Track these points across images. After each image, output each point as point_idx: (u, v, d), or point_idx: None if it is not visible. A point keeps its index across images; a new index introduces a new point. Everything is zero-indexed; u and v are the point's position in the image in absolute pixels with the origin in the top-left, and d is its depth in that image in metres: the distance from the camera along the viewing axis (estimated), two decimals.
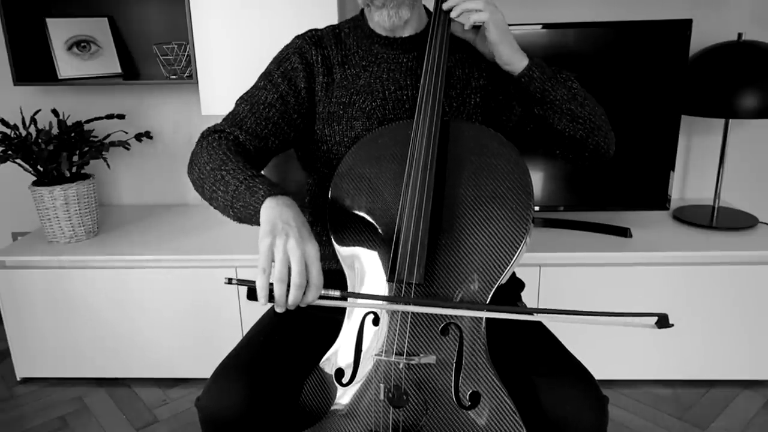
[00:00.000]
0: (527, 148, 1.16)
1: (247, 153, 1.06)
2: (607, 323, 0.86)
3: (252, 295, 0.81)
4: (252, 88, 1.14)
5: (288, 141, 1.14)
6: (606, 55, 1.84)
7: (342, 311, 0.98)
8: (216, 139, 1.04)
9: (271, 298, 0.80)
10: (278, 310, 0.82)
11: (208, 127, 1.10)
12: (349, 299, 0.97)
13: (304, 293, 0.82)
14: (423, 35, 1.13)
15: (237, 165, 0.96)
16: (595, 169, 1.94)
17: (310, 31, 1.18)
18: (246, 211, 0.92)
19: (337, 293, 0.86)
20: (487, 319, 0.91)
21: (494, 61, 1.11)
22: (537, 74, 1.07)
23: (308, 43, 1.14)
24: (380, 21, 1.08)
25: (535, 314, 0.89)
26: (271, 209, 0.86)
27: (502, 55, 1.07)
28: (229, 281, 0.83)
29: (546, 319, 0.92)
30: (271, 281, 0.81)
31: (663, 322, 0.83)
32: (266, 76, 1.14)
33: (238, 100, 1.14)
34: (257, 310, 1.17)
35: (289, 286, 0.81)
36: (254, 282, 0.81)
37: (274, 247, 0.81)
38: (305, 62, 1.13)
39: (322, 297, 0.85)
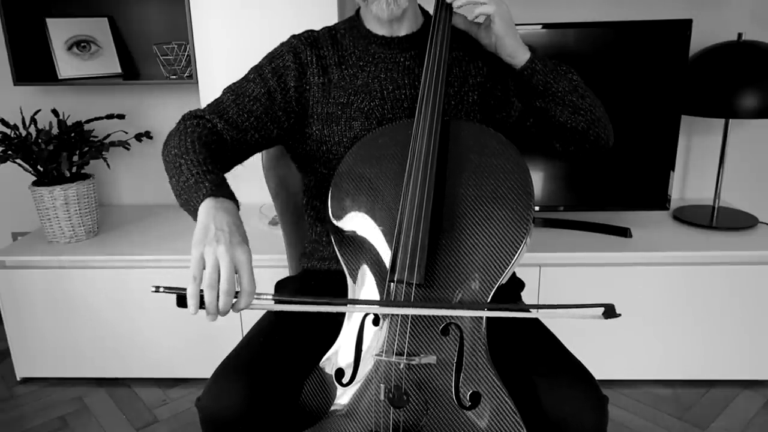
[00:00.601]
0: (527, 147, 1.16)
1: (222, 143, 1.06)
2: (555, 315, 0.87)
3: (182, 302, 0.80)
4: (241, 79, 1.14)
5: (270, 137, 1.13)
6: (606, 55, 1.84)
7: (342, 311, 0.98)
8: (192, 125, 1.04)
9: (202, 305, 0.79)
10: (209, 318, 0.81)
11: (190, 111, 1.10)
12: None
13: (237, 300, 0.81)
14: (419, 34, 1.13)
15: (197, 157, 0.96)
16: (595, 169, 1.94)
17: (307, 31, 1.17)
18: (188, 206, 0.92)
19: (269, 296, 0.85)
20: (488, 318, 0.91)
21: (495, 54, 1.11)
22: (540, 67, 1.07)
23: (303, 43, 1.14)
24: (378, 12, 1.07)
25: (476, 310, 0.90)
26: (207, 212, 0.87)
27: (506, 47, 1.07)
28: (157, 289, 0.81)
29: (493, 315, 0.92)
30: (202, 288, 0.80)
31: (610, 312, 0.84)
32: (257, 69, 1.14)
33: (225, 89, 1.14)
34: (257, 310, 1.17)
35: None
36: (185, 290, 0.80)
37: (205, 254, 0.81)
38: (299, 61, 1.13)
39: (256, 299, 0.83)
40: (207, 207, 0.88)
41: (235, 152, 1.09)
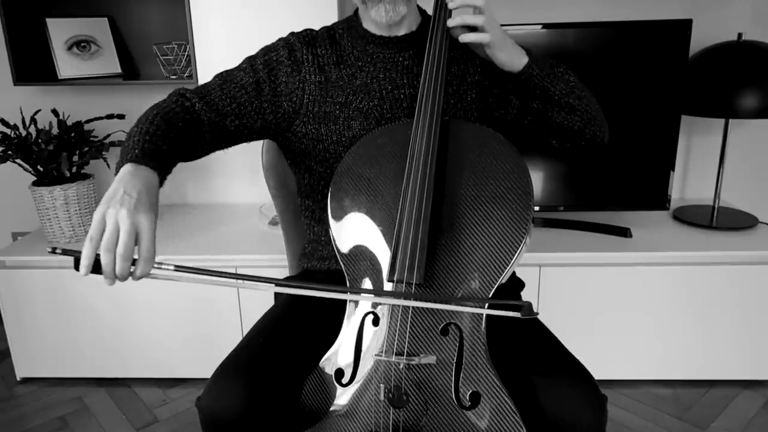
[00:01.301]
0: (526, 146, 1.16)
1: (197, 123, 1.05)
2: (475, 311, 0.90)
3: (78, 265, 0.79)
4: (234, 67, 1.14)
5: (253, 128, 1.12)
6: (606, 55, 1.83)
7: (342, 311, 0.98)
8: (170, 101, 1.05)
9: (99, 269, 0.78)
10: (106, 282, 0.79)
11: (177, 89, 1.10)
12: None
13: (134, 267, 0.80)
14: (417, 34, 1.13)
15: (149, 127, 0.95)
16: (595, 169, 1.94)
17: (305, 30, 1.17)
18: (117, 170, 0.90)
19: (171, 267, 0.82)
20: (487, 318, 0.91)
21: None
22: (536, 72, 1.06)
23: (301, 41, 1.14)
24: (377, 17, 1.07)
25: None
26: (122, 176, 0.86)
27: (502, 61, 1.06)
28: (53, 251, 0.79)
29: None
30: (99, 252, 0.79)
31: (527, 311, 0.85)
32: (250, 60, 1.15)
33: (216, 74, 1.14)
34: (257, 310, 1.18)
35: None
36: (81, 252, 0.78)
37: (106, 215, 0.80)
38: (293, 58, 1.13)
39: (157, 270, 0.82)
40: (124, 171, 0.87)
41: (213, 135, 1.07)
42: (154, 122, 0.97)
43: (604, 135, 1.16)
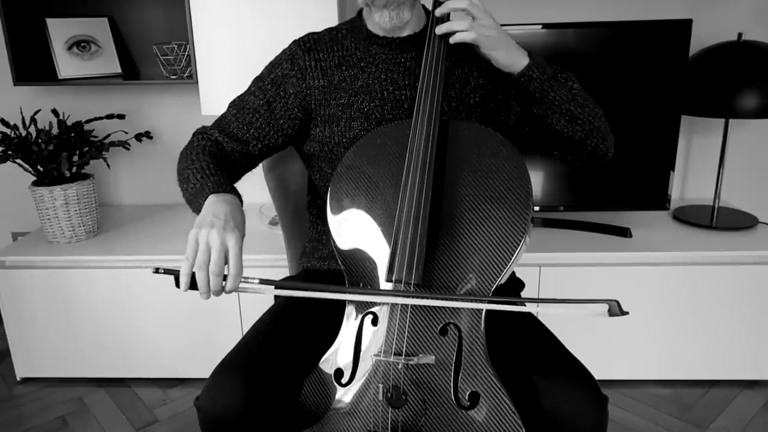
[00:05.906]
0: (527, 148, 1.16)
1: (225, 154, 1.12)
2: (556, 309, 0.90)
3: (178, 282, 0.86)
4: (244, 92, 1.18)
5: (276, 146, 1.17)
6: (606, 55, 1.83)
7: (341, 310, 0.98)
8: (198, 140, 1.13)
9: (194, 286, 0.86)
10: (202, 297, 0.87)
11: (198, 128, 1.16)
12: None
13: (225, 282, 0.87)
14: (421, 35, 1.13)
15: (200, 164, 1.04)
16: (595, 169, 1.94)
17: (308, 35, 1.18)
18: (197, 209, 0.98)
19: (256, 281, 0.90)
20: (486, 318, 0.91)
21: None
22: (537, 74, 1.05)
23: (302, 49, 1.15)
24: (381, 22, 1.07)
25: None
26: (209, 205, 0.95)
27: (498, 60, 1.05)
28: (156, 270, 0.88)
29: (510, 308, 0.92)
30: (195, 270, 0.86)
31: (614, 309, 0.84)
32: (257, 81, 1.17)
33: (229, 103, 1.18)
34: (257, 310, 1.18)
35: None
36: (179, 270, 0.86)
37: (198, 237, 0.87)
38: (297, 67, 1.14)
39: (244, 284, 0.89)
40: (209, 202, 0.96)
41: (241, 162, 1.15)
42: (200, 159, 1.06)
43: (608, 149, 1.14)
